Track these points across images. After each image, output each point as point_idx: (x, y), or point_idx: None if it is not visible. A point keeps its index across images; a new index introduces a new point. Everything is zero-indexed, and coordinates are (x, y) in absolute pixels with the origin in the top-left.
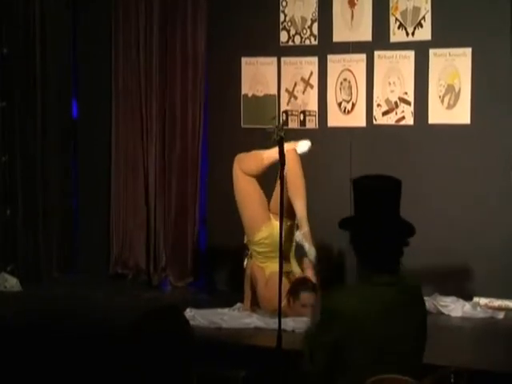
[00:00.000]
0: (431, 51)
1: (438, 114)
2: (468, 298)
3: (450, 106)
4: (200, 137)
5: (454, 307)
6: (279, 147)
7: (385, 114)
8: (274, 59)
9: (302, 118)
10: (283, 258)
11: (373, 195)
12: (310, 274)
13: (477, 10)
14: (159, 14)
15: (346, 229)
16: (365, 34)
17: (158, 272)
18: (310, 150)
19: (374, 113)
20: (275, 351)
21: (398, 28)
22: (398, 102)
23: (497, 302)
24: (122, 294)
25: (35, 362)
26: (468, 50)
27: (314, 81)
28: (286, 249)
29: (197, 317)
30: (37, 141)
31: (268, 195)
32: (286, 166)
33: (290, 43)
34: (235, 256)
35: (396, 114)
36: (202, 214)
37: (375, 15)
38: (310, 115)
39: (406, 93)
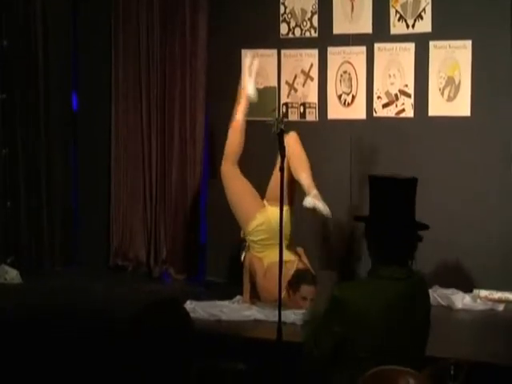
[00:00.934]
0: (431, 43)
1: (438, 107)
2: (468, 290)
3: (450, 99)
4: (200, 129)
5: (454, 299)
6: (279, 139)
7: (385, 106)
8: (274, 51)
9: (302, 110)
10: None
11: (391, 191)
12: (305, 261)
13: (477, 2)
14: (160, 6)
15: (361, 221)
16: (365, 26)
17: (159, 264)
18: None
19: (374, 105)
20: (275, 344)
21: (399, 20)
22: (398, 94)
23: (497, 294)
24: (122, 287)
25: (35, 354)
26: (468, 43)
27: (314, 73)
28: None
29: (197, 309)
30: (37, 133)
31: (266, 183)
32: (287, 151)
33: (290, 35)
34: (235, 248)
35: (396, 106)
36: (203, 206)
37: (375, 7)
38: (310, 107)
39: (406, 85)
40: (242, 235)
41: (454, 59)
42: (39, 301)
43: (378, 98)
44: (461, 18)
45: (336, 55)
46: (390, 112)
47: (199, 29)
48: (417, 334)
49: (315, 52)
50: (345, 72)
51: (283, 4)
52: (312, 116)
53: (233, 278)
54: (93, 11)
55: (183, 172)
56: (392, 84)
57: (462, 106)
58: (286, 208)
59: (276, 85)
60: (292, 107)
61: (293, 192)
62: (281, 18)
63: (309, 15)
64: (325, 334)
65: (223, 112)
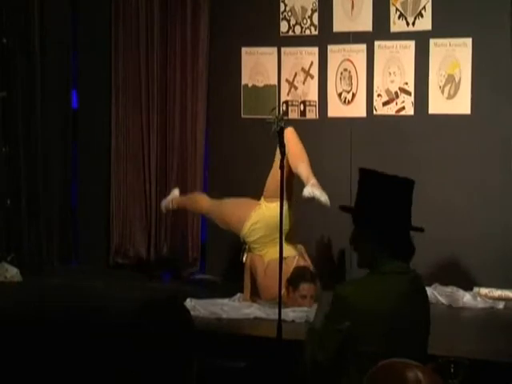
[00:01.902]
0: (431, 41)
1: (438, 104)
2: (468, 288)
3: (450, 96)
4: (200, 127)
5: (454, 297)
6: (279, 138)
7: (385, 104)
8: (274, 49)
9: (302, 108)
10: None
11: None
12: (305, 258)
13: (477, 0)
14: (160, 4)
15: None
16: (365, 24)
17: (159, 262)
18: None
19: (375, 103)
20: (275, 341)
21: (399, 18)
22: (399, 92)
23: (497, 292)
24: (123, 285)
25: (35, 352)
26: (468, 40)
27: (315, 71)
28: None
29: (197, 307)
30: (37, 131)
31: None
32: (286, 146)
33: (291, 33)
34: (235, 246)
35: (396, 104)
36: None
37: (375, 5)
38: (310, 105)
39: (406, 83)
40: (241, 240)
41: (454, 57)
42: (39, 299)
43: (379, 95)
44: (461, 15)
45: (336, 53)
46: (390, 110)
47: (200, 27)
48: (419, 328)
49: (315, 50)
50: (345, 70)
51: (283, 2)
52: (312, 114)
53: (233, 276)
54: (92, 10)
55: (183, 171)
56: (392, 82)
57: (462, 104)
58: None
59: (276, 83)
60: (292, 105)
61: (291, 187)
62: (281, 16)
63: (309, 13)
64: (329, 334)
65: (223, 109)
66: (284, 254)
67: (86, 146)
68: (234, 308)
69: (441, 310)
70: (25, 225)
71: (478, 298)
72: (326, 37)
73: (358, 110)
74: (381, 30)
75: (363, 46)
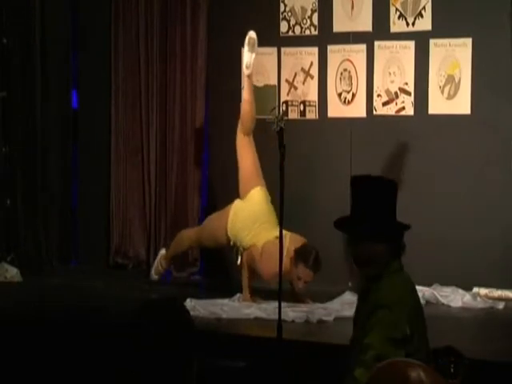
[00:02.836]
0: (431, 41)
1: (438, 105)
2: (468, 288)
3: (450, 97)
4: (200, 127)
5: (454, 297)
6: (279, 138)
7: (385, 104)
8: (274, 49)
9: (302, 108)
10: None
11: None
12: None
13: (477, 1)
14: (160, 4)
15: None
16: (365, 24)
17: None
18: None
19: (374, 103)
20: (275, 341)
21: (399, 18)
22: (398, 92)
23: (497, 293)
24: (122, 285)
25: (35, 352)
26: (468, 41)
27: (314, 71)
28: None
29: (197, 307)
30: (37, 131)
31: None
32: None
33: (290, 33)
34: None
35: (396, 104)
36: (203, 204)
37: (375, 5)
38: (310, 106)
39: (406, 83)
40: (231, 243)
41: (454, 57)
42: (39, 299)
43: (378, 96)
44: (461, 16)
45: (336, 53)
46: (390, 110)
47: (199, 28)
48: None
49: (315, 50)
50: (345, 70)
51: (283, 2)
52: (312, 114)
53: (233, 276)
54: (93, 10)
55: (183, 170)
56: (392, 82)
57: (462, 104)
58: (258, 188)
59: (276, 83)
60: (292, 105)
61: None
62: (281, 16)
63: (309, 13)
64: (398, 351)
65: (223, 108)
66: (275, 235)
67: (85, 145)
68: (234, 308)
69: (441, 310)
70: (25, 225)
71: (478, 298)
72: (325, 37)
73: (357, 110)
74: (381, 30)
75: (363, 46)
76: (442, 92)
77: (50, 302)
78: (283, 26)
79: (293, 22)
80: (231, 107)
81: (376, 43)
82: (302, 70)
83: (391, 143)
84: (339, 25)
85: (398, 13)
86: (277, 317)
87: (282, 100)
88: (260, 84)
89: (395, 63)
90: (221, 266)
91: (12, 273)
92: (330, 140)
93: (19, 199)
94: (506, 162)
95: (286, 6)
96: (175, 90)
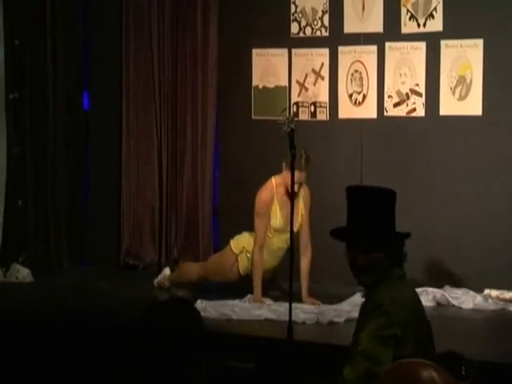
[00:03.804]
0: (443, 42)
1: (449, 106)
2: (479, 290)
3: (461, 98)
4: (211, 127)
5: (465, 299)
6: (290, 139)
7: (396, 105)
8: (285, 51)
9: (312, 109)
10: None
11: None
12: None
13: (488, 1)
14: (171, 5)
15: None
16: (376, 25)
17: (169, 264)
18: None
19: (385, 104)
20: (286, 343)
21: (410, 19)
22: (409, 93)
23: (508, 294)
24: (133, 285)
25: (47, 352)
26: (480, 42)
27: (325, 72)
28: None
29: (208, 308)
30: (48, 132)
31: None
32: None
33: (301, 35)
34: None
35: (407, 105)
36: (214, 205)
37: (386, 6)
38: (320, 107)
39: (417, 84)
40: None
41: (465, 58)
42: (50, 299)
43: (389, 97)
44: (472, 17)
45: (347, 54)
46: (401, 111)
47: (210, 29)
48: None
49: (326, 51)
50: (356, 71)
51: (294, 3)
52: (323, 115)
53: (243, 277)
54: (104, 11)
55: (194, 172)
56: (403, 83)
57: (473, 105)
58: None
59: (287, 84)
60: (303, 106)
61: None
62: (291, 18)
63: (320, 14)
64: (384, 347)
65: (233, 110)
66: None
67: (97, 146)
68: (245, 309)
69: (452, 312)
70: (36, 226)
71: (489, 300)
72: (336, 38)
73: (368, 111)
74: (392, 31)
75: (374, 48)
76: (454, 93)
77: (61, 303)
78: (294, 27)
79: (303, 23)
80: (242, 109)
81: (387, 44)
82: (313, 71)
83: (402, 144)
84: (350, 26)
85: (409, 14)
86: (287, 318)
87: (293, 101)
88: (271, 85)
89: (406, 64)
90: None
91: (23, 273)
92: (340, 141)
93: (30, 200)
94: None
95: (296, 7)
96: (186, 92)
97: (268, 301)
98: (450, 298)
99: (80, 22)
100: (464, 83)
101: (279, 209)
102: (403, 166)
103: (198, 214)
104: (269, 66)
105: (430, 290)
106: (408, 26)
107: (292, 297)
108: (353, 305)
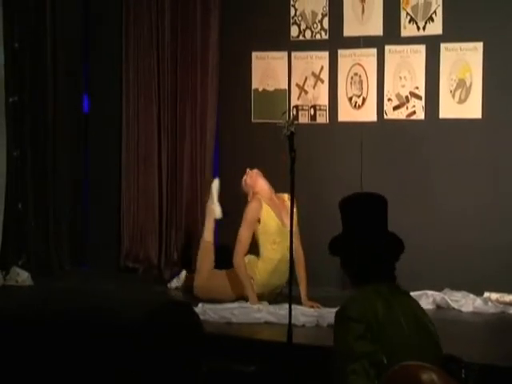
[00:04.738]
0: (442, 45)
1: (449, 109)
2: (479, 292)
3: (461, 101)
4: (211, 130)
5: (465, 302)
6: (289, 142)
7: (395, 108)
8: (285, 54)
9: (312, 112)
10: None
11: (365, 211)
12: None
13: (488, 4)
14: (170, 8)
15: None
16: (375, 28)
17: (170, 266)
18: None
19: (385, 107)
20: (285, 346)
21: (409, 22)
22: (409, 96)
23: (508, 297)
24: (133, 288)
25: (46, 355)
26: (479, 45)
27: (325, 75)
28: None
29: (208, 312)
30: (48, 135)
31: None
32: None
33: (301, 38)
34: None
35: (407, 108)
36: None
37: (386, 9)
38: (320, 110)
39: (416, 87)
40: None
41: (464, 61)
42: (50, 302)
43: (389, 100)
44: (472, 20)
45: (347, 57)
46: (401, 114)
47: (210, 32)
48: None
49: (326, 54)
50: (355, 74)
51: (294, 6)
52: (322, 118)
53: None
54: (103, 13)
55: (194, 175)
56: (403, 86)
57: (473, 108)
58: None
59: (286, 87)
60: (302, 109)
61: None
62: (291, 21)
63: (319, 17)
64: (361, 361)
65: (233, 113)
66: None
67: (96, 150)
68: (245, 312)
69: (451, 315)
70: (36, 229)
71: (489, 303)
72: (336, 41)
73: (368, 114)
74: (391, 34)
75: (374, 51)
76: (453, 96)
77: (61, 306)
78: (294, 31)
79: (303, 26)
80: (242, 112)
81: (387, 47)
82: (313, 74)
83: (402, 147)
84: (350, 29)
85: (408, 17)
86: (287, 321)
87: (293, 104)
88: (270, 88)
89: (406, 67)
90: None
91: (23, 277)
92: (340, 144)
93: (30, 203)
94: None
95: (296, 10)
96: (186, 94)
97: (266, 305)
98: (449, 301)
99: (80, 25)
100: (464, 86)
101: (271, 210)
102: (403, 169)
103: (198, 217)
104: (268, 69)
105: (430, 292)
106: (408, 29)
107: (292, 300)
108: None
